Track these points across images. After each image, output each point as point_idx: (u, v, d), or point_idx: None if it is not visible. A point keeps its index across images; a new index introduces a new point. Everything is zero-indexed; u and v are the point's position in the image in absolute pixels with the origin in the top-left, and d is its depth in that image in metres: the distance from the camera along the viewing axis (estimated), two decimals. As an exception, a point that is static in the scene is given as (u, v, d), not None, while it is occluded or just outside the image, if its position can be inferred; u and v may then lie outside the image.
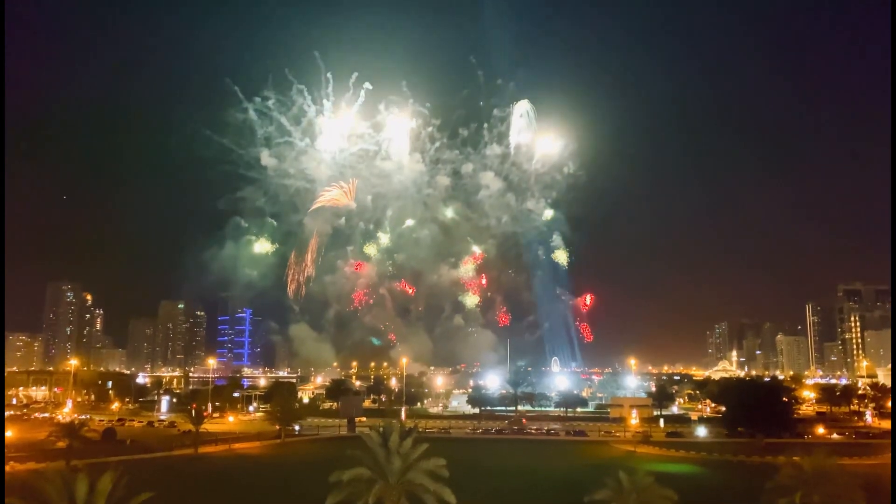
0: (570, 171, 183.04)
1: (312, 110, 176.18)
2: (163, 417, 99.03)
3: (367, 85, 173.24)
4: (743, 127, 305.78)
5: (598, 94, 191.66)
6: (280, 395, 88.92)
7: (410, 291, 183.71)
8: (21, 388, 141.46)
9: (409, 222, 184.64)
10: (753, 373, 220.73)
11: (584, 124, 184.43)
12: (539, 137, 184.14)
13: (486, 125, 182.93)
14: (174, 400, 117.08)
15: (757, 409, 70.69)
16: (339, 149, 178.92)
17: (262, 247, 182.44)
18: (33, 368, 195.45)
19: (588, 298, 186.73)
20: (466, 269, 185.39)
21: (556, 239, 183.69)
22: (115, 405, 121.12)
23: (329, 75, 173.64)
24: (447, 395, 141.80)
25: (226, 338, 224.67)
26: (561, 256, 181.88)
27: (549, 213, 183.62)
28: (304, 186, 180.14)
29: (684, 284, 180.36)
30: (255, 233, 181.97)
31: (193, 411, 68.65)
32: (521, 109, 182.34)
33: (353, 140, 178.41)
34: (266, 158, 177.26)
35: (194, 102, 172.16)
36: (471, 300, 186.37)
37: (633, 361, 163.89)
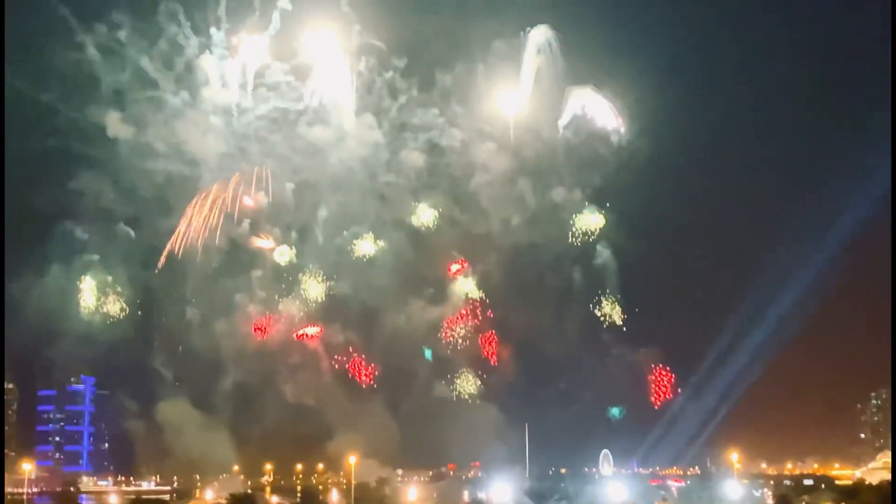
0: (622, 142, 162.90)
1: (193, 44, 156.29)
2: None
3: (284, 2, 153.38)
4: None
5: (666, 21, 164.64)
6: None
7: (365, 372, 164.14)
8: None
9: (357, 229, 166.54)
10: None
11: (641, 62, 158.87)
12: (569, 86, 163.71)
13: (481, 66, 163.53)
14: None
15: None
16: (238, 108, 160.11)
17: (110, 274, 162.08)
18: None
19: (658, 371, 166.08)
20: (457, 293, 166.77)
21: (603, 253, 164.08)
22: None
23: None
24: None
25: (52, 426, 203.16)
26: (611, 309, 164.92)
27: (589, 214, 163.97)
28: (181, 172, 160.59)
29: (818, 332, 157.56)
30: (99, 250, 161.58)
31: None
32: (539, 39, 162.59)
33: (261, 94, 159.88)
34: (116, 126, 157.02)
35: None
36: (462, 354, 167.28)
37: (735, 456, 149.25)
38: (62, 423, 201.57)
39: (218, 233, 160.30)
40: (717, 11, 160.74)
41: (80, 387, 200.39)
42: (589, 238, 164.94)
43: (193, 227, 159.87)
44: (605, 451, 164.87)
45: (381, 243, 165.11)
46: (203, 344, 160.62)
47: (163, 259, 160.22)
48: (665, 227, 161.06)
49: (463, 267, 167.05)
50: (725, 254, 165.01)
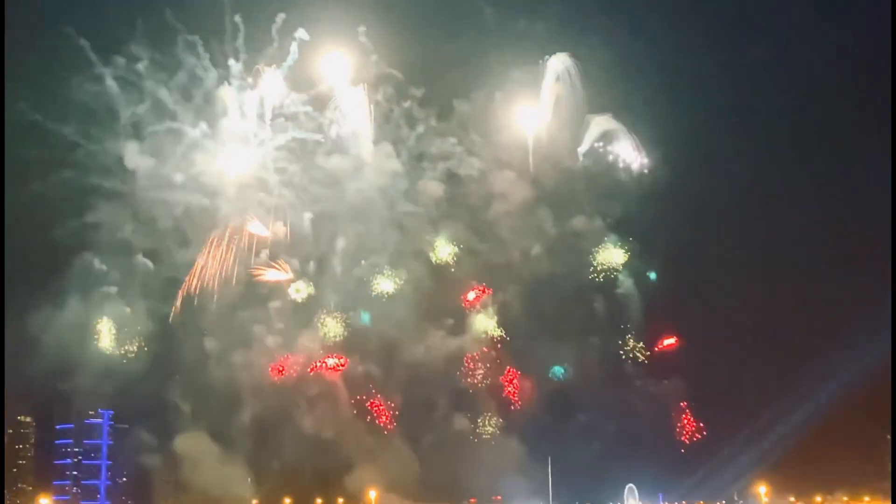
0: (643, 170, 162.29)
1: (211, 76, 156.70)
2: None
3: (302, 33, 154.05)
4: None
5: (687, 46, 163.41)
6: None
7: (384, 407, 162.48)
8: None
9: (376, 259, 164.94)
10: None
11: (662, 88, 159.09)
12: (588, 114, 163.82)
13: (499, 94, 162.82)
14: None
15: None
16: (256, 138, 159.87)
17: (130, 308, 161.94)
18: None
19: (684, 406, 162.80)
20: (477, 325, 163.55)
21: (625, 283, 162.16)
22: None
23: (238, 18, 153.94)
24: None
25: (69, 459, 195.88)
26: (633, 346, 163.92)
27: (610, 248, 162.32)
28: (200, 203, 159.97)
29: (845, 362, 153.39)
30: (117, 282, 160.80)
31: None
32: (558, 67, 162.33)
33: (279, 125, 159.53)
34: (134, 157, 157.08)
35: (11, 66, 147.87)
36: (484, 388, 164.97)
37: (763, 489, 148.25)
38: (80, 457, 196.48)
39: (235, 265, 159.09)
40: (744, 35, 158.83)
41: (98, 420, 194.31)
42: (611, 275, 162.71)
43: (211, 259, 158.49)
44: (630, 485, 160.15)
45: (400, 280, 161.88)
46: (221, 377, 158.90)
47: (181, 293, 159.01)
48: (689, 256, 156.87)
49: (481, 294, 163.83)
50: (752, 285, 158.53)
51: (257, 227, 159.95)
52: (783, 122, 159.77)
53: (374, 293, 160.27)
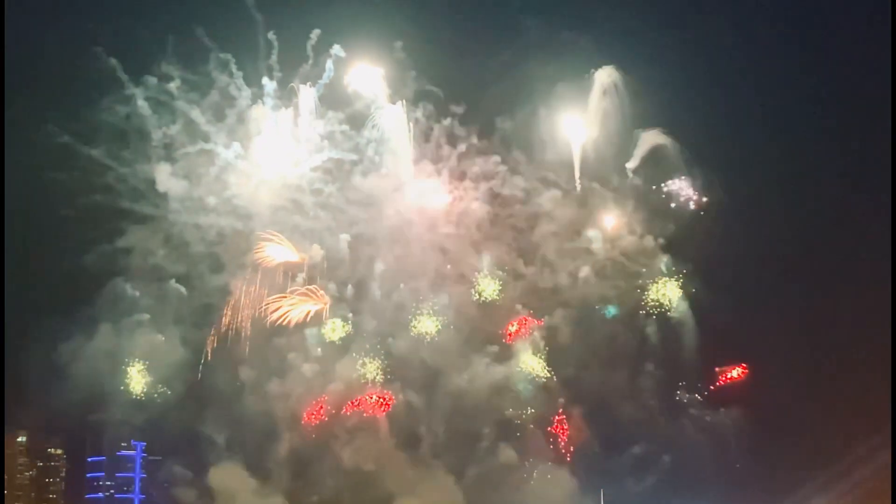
0: (697, 187, 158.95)
1: (245, 95, 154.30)
2: None
3: (337, 50, 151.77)
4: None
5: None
6: None
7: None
8: None
9: (416, 284, 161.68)
10: None
11: (717, 101, 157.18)
12: (637, 129, 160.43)
13: (543, 110, 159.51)
14: None
15: None
16: (292, 160, 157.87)
17: (163, 334, 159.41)
18: None
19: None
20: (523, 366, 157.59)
21: (680, 307, 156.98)
22: None
23: (272, 35, 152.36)
24: None
25: (101, 493, 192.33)
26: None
27: (665, 285, 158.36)
28: (234, 226, 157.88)
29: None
30: (150, 309, 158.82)
31: None
32: (605, 80, 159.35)
33: (314, 144, 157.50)
34: (166, 180, 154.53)
35: (41, 88, 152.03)
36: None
37: None
38: (112, 491, 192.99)
39: (267, 290, 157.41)
40: (805, 45, 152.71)
41: (131, 452, 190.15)
42: (665, 311, 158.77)
43: (245, 285, 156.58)
44: None
45: (440, 321, 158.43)
46: (257, 407, 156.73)
47: (218, 321, 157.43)
48: (747, 279, 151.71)
49: (523, 326, 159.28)
50: (813, 308, 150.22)
51: (290, 253, 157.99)
52: (854, 135, 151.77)
53: (414, 333, 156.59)
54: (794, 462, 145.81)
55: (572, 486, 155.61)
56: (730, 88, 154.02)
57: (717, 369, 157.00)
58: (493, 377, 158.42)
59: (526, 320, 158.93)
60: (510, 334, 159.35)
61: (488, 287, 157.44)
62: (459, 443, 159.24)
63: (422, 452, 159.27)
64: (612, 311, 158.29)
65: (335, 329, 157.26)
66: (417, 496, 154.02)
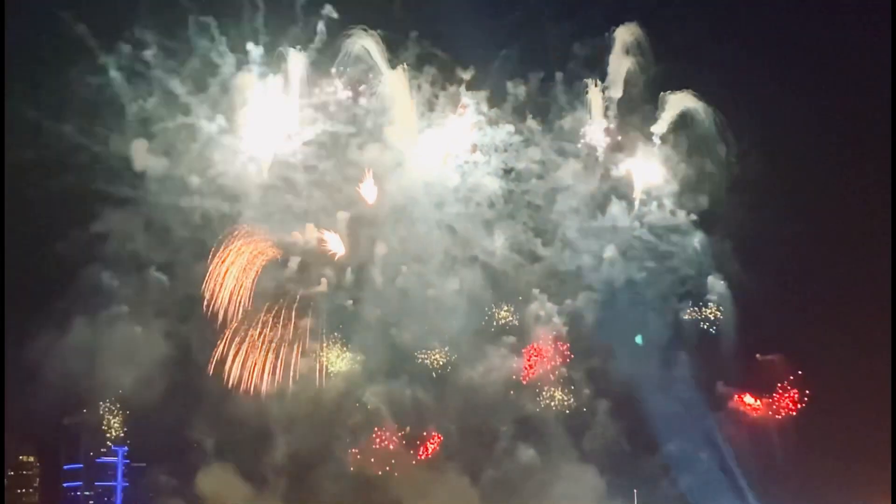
0: (730, 156, 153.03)
1: (228, 63, 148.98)
2: None
3: (329, 10, 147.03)
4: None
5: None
6: None
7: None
8: None
9: (420, 268, 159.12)
10: None
11: (753, 62, 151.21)
12: (663, 92, 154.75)
13: (559, 74, 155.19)
14: None
15: None
16: (282, 133, 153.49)
17: (142, 328, 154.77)
18: None
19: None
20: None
21: (715, 287, 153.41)
22: None
23: None
24: None
25: None
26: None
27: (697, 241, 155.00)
28: (219, 208, 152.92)
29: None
30: (128, 301, 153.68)
31: None
32: (627, 38, 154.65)
33: (307, 116, 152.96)
34: (143, 158, 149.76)
35: (6, 62, 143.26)
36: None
37: None
38: (91, 502, 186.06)
39: (256, 278, 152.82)
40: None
41: (112, 459, 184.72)
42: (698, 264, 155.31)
43: (233, 271, 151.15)
44: None
45: (451, 281, 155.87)
46: (248, 406, 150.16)
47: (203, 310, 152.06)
48: (787, 254, 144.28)
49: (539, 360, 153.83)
50: (855, 285, 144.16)
51: (284, 236, 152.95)
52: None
53: (425, 365, 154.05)
54: (846, 462, 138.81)
55: (600, 485, 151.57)
56: (766, 45, 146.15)
57: (758, 357, 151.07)
58: (510, 369, 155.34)
59: (538, 355, 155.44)
60: (527, 370, 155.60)
61: (499, 239, 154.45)
62: (474, 442, 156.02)
63: (433, 453, 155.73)
64: (639, 340, 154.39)
65: (333, 363, 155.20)
66: (428, 501, 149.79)
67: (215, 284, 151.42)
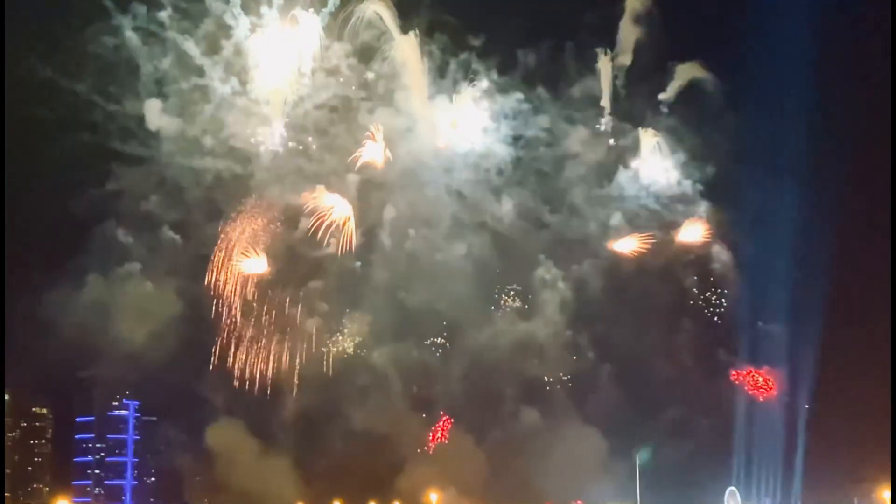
0: (737, 126, 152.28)
1: (242, 25, 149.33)
2: None
3: None
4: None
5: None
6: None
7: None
8: None
9: (429, 233, 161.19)
10: None
11: (761, 32, 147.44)
12: (672, 62, 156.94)
13: (569, 42, 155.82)
14: None
15: None
16: (294, 96, 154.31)
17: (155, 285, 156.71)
18: None
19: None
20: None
21: (720, 256, 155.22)
22: None
23: None
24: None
25: (91, 456, 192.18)
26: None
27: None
28: (232, 169, 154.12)
29: None
30: (142, 258, 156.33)
31: None
32: (637, 7, 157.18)
33: (319, 80, 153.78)
34: (157, 118, 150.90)
35: (20, 19, 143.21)
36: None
37: (888, 494, 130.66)
38: (103, 454, 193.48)
39: (268, 239, 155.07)
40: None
41: (124, 412, 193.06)
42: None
43: (245, 233, 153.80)
44: (732, 488, 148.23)
45: (460, 246, 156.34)
46: (260, 364, 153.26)
47: (213, 270, 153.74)
48: (793, 226, 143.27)
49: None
50: (858, 255, 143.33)
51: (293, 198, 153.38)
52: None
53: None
54: (849, 422, 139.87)
55: (604, 447, 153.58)
56: (780, 15, 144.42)
57: (759, 324, 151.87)
58: (517, 333, 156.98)
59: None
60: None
61: (508, 204, 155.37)
62: (479, 404, 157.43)
63: (438, 414, 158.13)
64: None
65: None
66: (433, 460, 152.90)
67: (227, 245, 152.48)
